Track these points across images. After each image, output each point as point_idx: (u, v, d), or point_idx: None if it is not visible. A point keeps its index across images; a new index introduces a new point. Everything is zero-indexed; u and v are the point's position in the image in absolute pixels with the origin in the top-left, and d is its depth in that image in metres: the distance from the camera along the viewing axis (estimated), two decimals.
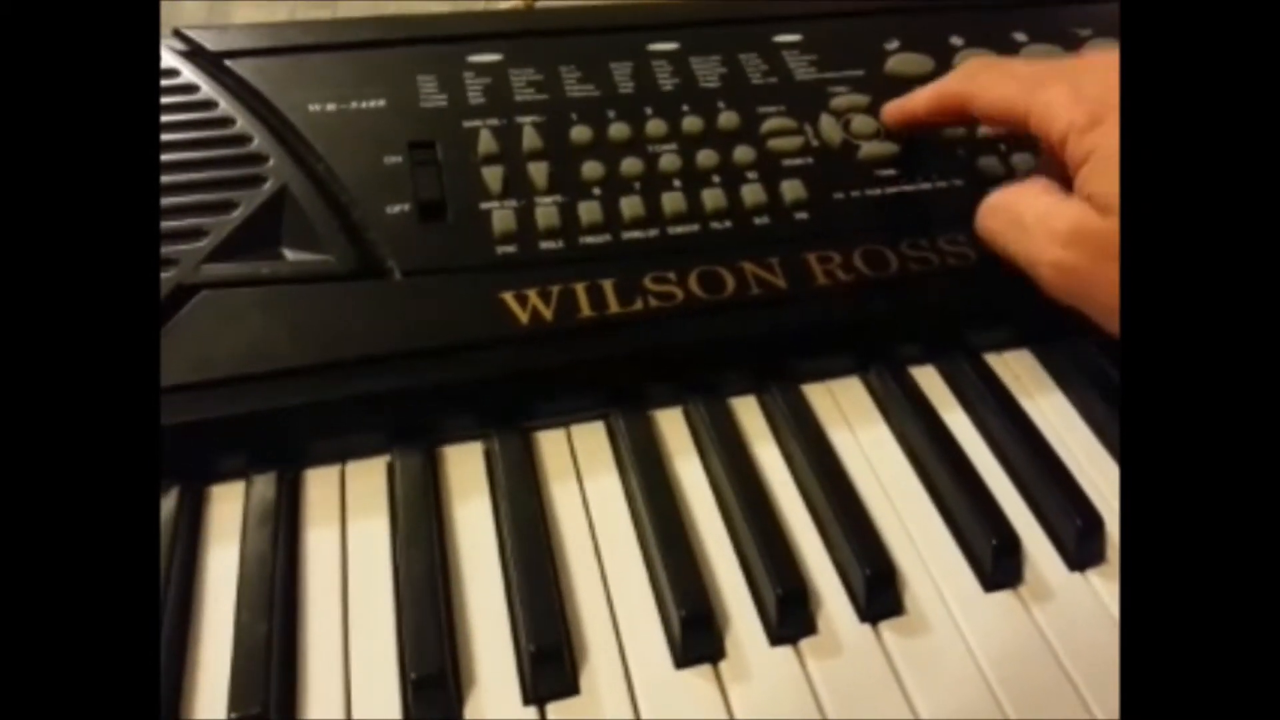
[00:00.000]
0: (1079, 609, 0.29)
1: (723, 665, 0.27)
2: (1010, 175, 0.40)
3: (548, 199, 0.36)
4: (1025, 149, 0.41)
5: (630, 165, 0.37)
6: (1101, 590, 0.29)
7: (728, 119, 0.39)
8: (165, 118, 0.36)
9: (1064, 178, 0.32)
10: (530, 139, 0.37)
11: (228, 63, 0.38)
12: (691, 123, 0.39)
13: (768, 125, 0.40)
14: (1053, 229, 0.30)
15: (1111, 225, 0.29)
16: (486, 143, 0.37)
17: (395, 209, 0.35)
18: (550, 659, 0.26)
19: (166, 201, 0.33)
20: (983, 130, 0.41)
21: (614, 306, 0.33)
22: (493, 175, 0.36)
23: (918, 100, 0.38)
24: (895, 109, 0.40)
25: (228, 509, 0.30)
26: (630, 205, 0.36)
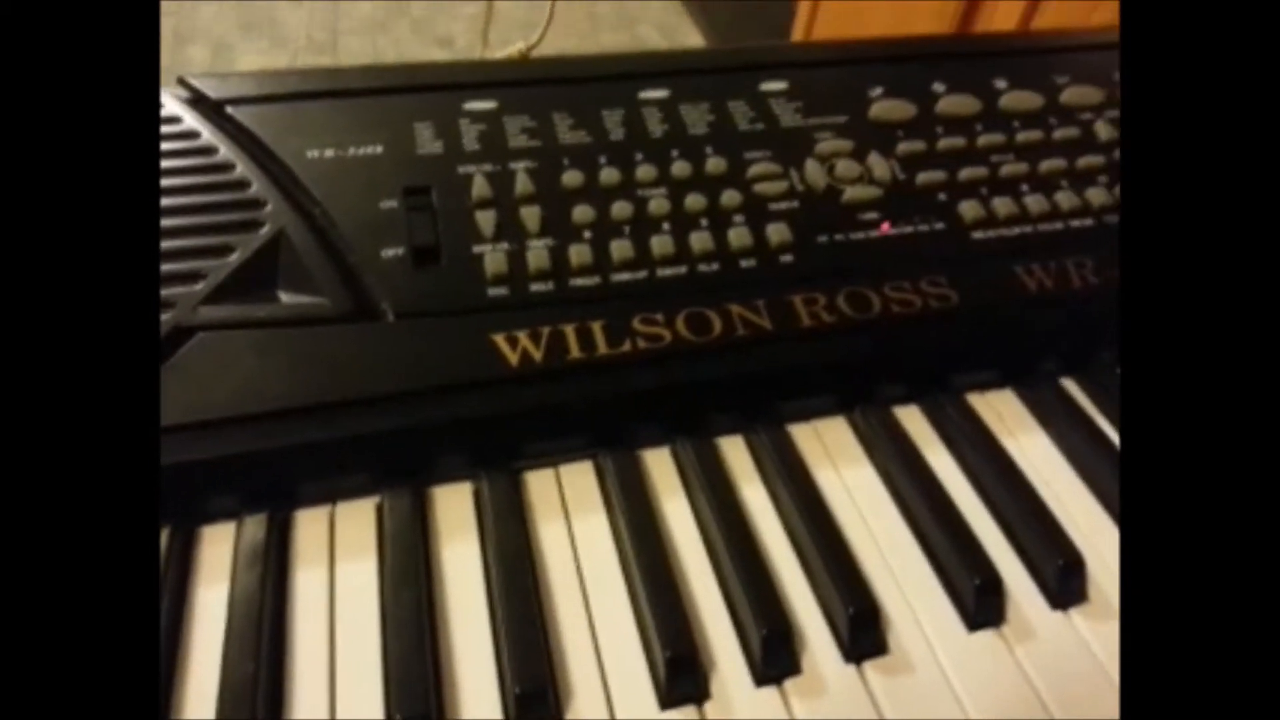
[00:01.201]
0: (1061, 648, 0.29)
1: (707, 706, 0.27)
2: (991, 219, 0.41)
3: (539, 242, 0.37)
4: (1005, 193, 0.42)
5: (620, 209, 0.38)
6: (1084, 629, 0.30)
7: (715, 164, 0.41)
8: (166, 163, 0.37)
9: None
10: (523, 184, 0.38)
11: (228, 110, 0.39)
12: (680, 168, 0.40)
13: (754, 170, 0.41)
14: None
15: None
16: (480, 188, 0.38)
17: (390, 253, 0.35)
18: (535, 700, 0.26)
19: (165, 245, 0.34)
20: (964, 174, 0.42)
21: (603, 348, 0.34)
22: (486, 219, 0.37)
23: None
24: None
25: (218, 550, 0.30)
26: (620, 248, 0.37)
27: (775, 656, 0.28)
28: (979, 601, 0.30)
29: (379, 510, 0.32)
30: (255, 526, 0.30)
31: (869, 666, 0.28)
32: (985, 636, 0.29)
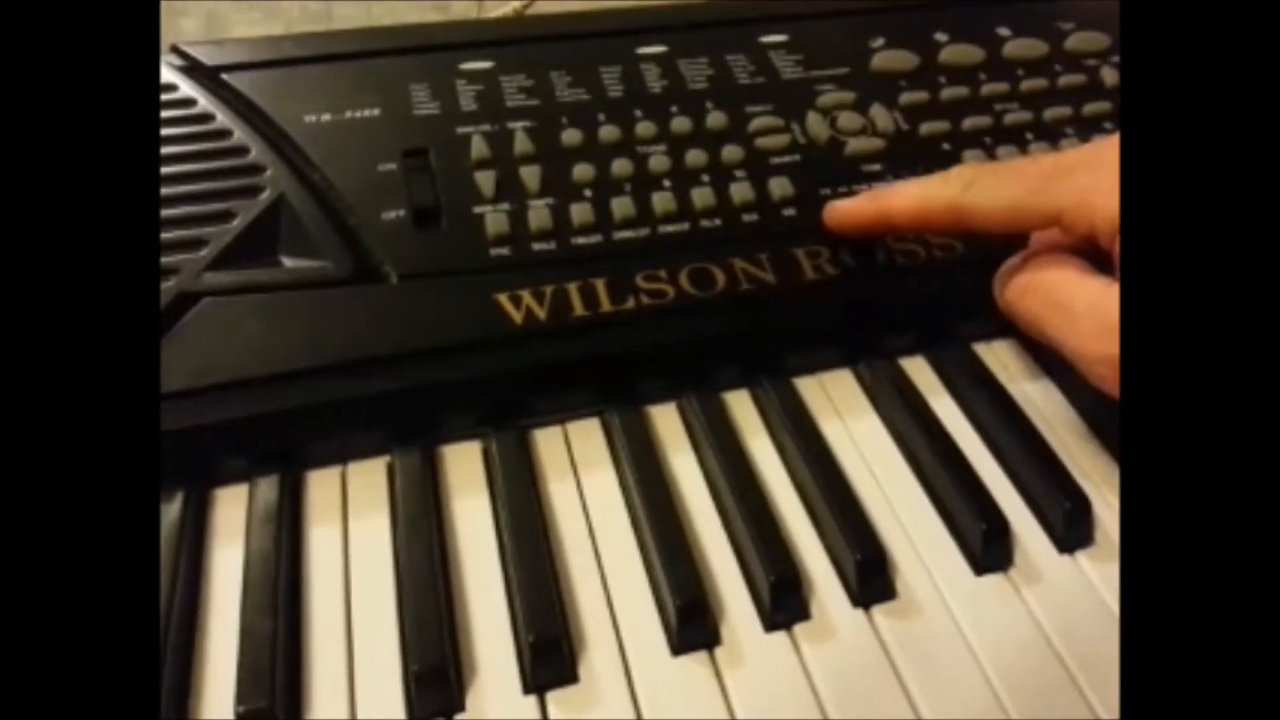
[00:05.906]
0: (1068, 590, 0.29)
1: (718, 652, 0.27)
2: None
3: (540, 201, 0.36)
4: (1009, 142, 0.41)
5: (620, 166, 0.38)
6: (1090, 571, 0.30)
7: (716, 119, 0.40)
8: (165, 131, 0.37)
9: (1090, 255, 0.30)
10: (522, 143, 0.38)
11: (224, 76, 0.39)
12: (680, 124, 0.40)
13: (755, 124, 0.40)
14: (1110, 322, 0.27)
15: None
16: (479, 148, 0.38)
17: (390, 215, 0.35)
18: (549, 649, 0.26)
19: (167, 212, 0.34)
20: (968, 123, 0.42)
21: (606, 305, 0.34)
22: (485, 180, 0.37)
23: (895, 206, 0.34)
24: (864, 211, 0.35)
25: (232, 511, 0.31)
26: (621, 205, 0.37)
27: (784, 602, 0.28)
28: (986, 546, 0.30)
29: (390, 469, 0.32)
30: (268, 487, 0.30)
31: (877, 611, 0.29)
32: (993, 580, 0.30)
